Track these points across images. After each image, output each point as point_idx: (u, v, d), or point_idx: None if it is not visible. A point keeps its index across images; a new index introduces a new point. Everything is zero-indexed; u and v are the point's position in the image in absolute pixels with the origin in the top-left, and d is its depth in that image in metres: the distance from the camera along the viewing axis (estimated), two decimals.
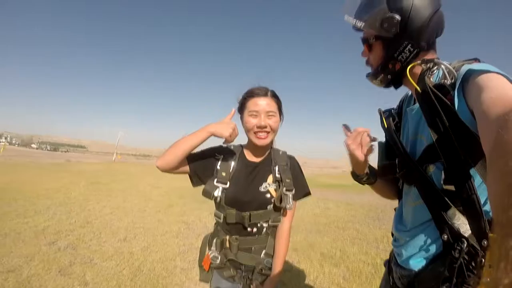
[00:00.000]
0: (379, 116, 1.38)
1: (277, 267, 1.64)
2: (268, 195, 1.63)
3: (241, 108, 1.68)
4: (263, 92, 1.65)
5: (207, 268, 1.68)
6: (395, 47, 1.11)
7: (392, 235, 1.40)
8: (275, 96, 1.68)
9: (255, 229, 1.63)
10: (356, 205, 10.07)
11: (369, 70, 1.28)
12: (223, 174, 1.62)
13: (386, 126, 1.31)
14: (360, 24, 1.15)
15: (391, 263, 1.36)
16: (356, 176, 1.40)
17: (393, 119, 1.34)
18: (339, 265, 4.34)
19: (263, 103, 1.61)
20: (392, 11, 1.08)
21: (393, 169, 1.27)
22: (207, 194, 1.61)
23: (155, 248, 4.79)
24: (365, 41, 1.22)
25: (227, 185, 1.61)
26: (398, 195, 1.42)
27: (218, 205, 1.67)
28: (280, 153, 1.77)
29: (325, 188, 14.42)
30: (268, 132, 1.62)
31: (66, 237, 5.06)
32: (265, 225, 1.64)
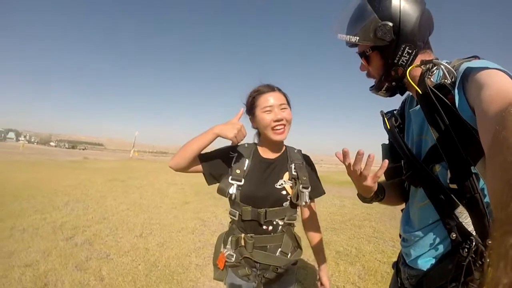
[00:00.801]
0: (381, 118, 1.38)
1: (322, 258, 1.78)
2: (284, 192, 1.63)
3: (251, 108, 1.69)
4: (271, 87, 1.68)
5: (221, 267, 1.67)
6: (393, 53, 1.12)
7: (400, 236, 1.39)
8: (281, 91, 1.71)
9: (270, 227, 1.62)
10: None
11: (371, 82, 1.29)
12: (238, 171, 1.63)
13: (389, 127, 1.31)
14: (354, 39, 1.15)
15: (399, 264, 1.36)
16: (363, 198, 1.36)
17: (396, 120, 1.34)
18: (355, 264, 4.27)
19: (274, 97, 1.63)
20: (383, 19, 1.09)
21: (399, 171, 1.29)
22: (222, 191, 1.63)
23: (170, 244, 4.81)
24: (362, 54, 1.22)
25: (242, 182, 1.61)
26: (405, 198, 1.40)
27: (233, 203, 1.66)
28: (295, 151, 1.79)
29: (341, 185, 14.32)
30: (284, 125, 1.62)
31: (83, 232, 5.12)
32: (280, 223, 1.63)
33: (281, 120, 1.60)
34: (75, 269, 3.69)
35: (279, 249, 1.63)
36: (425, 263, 1.14)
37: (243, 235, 1.63)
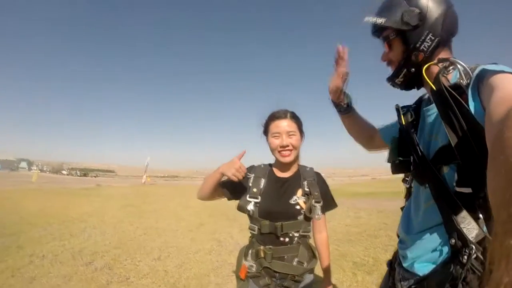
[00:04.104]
0: (396, 112, 1.40)
1: (327, 268, 1.90)
2: (298, 207, 1.75)
3: (266, 131, 1.86)
4: (283, 114, 1.81)
5: (243, 277, 1.77)
6: (416, 38, 1.13)
7: (398, 236, 1.41)
8: (294, 117, 1.83)
9: (287, 239, 1.73)
10: (388, 211, 9.79)
11: (389, 74, 1.30)
12: (254, 190, 1.78)
13: (404, 123, 1.31)
14: (381, 20, 1.17)
15: (395, 264, 1.37)
16: (335, 104, 1.60)
17: (410, 116, 1.34)
18: (372, 273, 4.27)
19: (283, 125, 1.77)
20: (411, 6, 1.12)
21: (407, 166, 1.29)
22: (242, 208, 1.78)
23: (189, 265, 4.83)
24: (385, 39, 1.24)
25: (259, 200, 1.76)
26: (407, 194, 1.42)
27: (251, 218, 1.79)
28: (308, 169, 1.93)
29: (355, 197, 14.33)
30: (291, 150, 1.76)
31: (102, 257, 5.16)
32: (296, 235, 1.74)
33: (287, 146, 1.75)
34: None
35: (296, 259, 1.73)
36: (422, 267, 1.13)
37: (262, 247, 1.73)
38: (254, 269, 1.74)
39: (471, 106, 0.91)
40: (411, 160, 1.25)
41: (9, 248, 5.45)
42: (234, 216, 8.79)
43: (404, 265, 1.23)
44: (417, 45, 1.14)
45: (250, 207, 1.74)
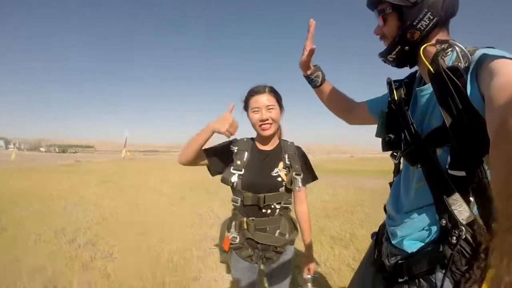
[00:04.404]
0: (387, 86, 1.36)
1: (308, 241, 1.98)
2: (279, 179, 1.82)
3: (246, 106, 1.87)
4: (262, 89, 1.84)
5: (227, 249, 1.87)
6: (414, 15, 1.07)
7: (385, 210, 1.43)
8: (273, 92, 1.86)
9: (269, 211, 1.81)
10: (365, 189, 10.22)
11: (382, 49, 1.23)
12: (238, 162, 1.84)
13: (396, 98, 1.26)
14: None
15: (382, 238, 1.38)
16: (307, 79, 1.64)
17: (403, 91, 1.29)
18: (349, 247, 4.49)
19: (263, 99, 1.81)
20: None
21: (398, 144, 1.25)
22: (225, 180, 1.83)
23: (171, 239, 4.93)
24: (380, 12, 1.17)
25: (242, 172, 1.81)
26: (395, 170, 1.41)
27: (234, 190, 1.85)
28: (289, 143, 1.98)
29: (334, 174, 14.57)
30: (270, 124, 1.81)
31: (84, 234, 5.22)
32: (277, 206, 1.83)
33: (267, 119, 1.79)
34: (81, 270, 3.81)
35: (278, 231, 1.84)
36: (411, 245, 1.14)
37: (245, 218, 1.82)
38: (237, 241, 1.83)
39: (468, 90, 0.90)
40: (402, 138, 1.23)
41: None
42: (214, 190, 8.90)
43: (393, 242, 1.24)
44: (414, 23, 1.08)
45: (234, 179, 1.80)
